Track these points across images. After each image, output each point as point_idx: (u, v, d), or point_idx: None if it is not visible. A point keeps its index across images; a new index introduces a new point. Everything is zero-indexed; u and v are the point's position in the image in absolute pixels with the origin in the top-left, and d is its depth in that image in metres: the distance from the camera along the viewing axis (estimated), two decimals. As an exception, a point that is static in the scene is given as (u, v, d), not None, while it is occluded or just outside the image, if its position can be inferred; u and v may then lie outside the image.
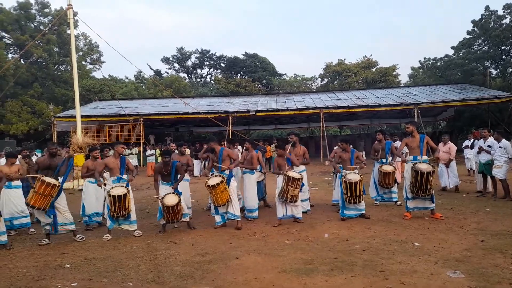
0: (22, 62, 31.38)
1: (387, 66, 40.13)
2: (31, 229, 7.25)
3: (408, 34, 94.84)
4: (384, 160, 8.19)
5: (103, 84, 32.58)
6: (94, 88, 31.32)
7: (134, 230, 6.51)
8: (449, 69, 29.46)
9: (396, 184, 8.25)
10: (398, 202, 8.13)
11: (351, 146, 7.46)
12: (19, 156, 10.06)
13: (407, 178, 6.85)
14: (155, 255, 5.27)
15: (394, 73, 40.37)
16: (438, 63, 31.17)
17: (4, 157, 8.96)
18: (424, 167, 6.53)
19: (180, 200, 6.39)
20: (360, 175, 6.96)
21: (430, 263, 4.43)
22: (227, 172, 6.72)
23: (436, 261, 4.49)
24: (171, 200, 6.33)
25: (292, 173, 6.71)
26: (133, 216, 6.51)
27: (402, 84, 38.55)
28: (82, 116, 16.21)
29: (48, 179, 6.07)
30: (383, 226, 6.32)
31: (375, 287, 3.81)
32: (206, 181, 6.58)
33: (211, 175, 6.92)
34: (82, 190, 8.15)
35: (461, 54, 28.63)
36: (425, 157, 6.80)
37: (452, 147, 9.86)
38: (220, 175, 6.64)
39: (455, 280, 3.91)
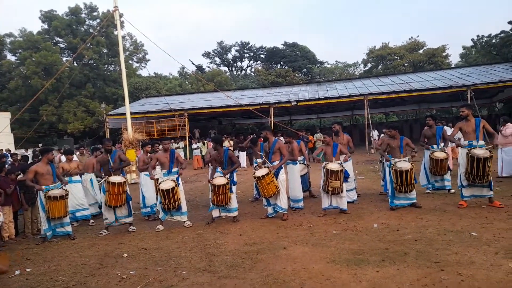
0: (75, 64, 33.44)
1: (435, 47, 37.93)
2: (91, 221, 7.81)
3: (458, 11, 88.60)
4: (435, 146, 7.81)
5: (149, 82, 33.97)
6: (141, 85, 32.73)
7: (185, 221, 6.78)
8: (506, 46, 27.27)
9: (449, 171, 7.84)
10: (452, 190, 7.72)
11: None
12: (77, 153, 10.84)
13: (462, 164, 6.48)
14: (205, 245, 5.46)
15: (444, 54, 38.06)
16: (493, 40, 28.95)
17: (63, 154, 9.69)
18: (481, 152, 6.14)
19: (227, 183, 6.59)
20: (411, 163, 6.69)
21: (490, 254, 4.19)
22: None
23: (496, 252, 4.23)
24: (219, 180, 6.63)
25: (331, 165, 6.57)
26: (184, 208, 6.78)
27: (453, 65, 36.24)
28: (131, 113, 16.94)
29: (113, 179, 6.56)
30: (436, 216, 6.06)
31: (430, 279, 3.67)
32: (254, 172, 6.69)
33: (256, 165, 7.00)
34: (135, 183, 8.61)
35: (520, 29, 26.35)
36: (481, 142, 6.39)
37: None
38: (267, 167, 6.68)
39: (519, 272, 3.66)
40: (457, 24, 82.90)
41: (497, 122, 14.69)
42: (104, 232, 6.68)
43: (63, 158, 10.42)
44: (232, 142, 18.08)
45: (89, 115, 30.20)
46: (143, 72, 39.85)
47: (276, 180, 6.60)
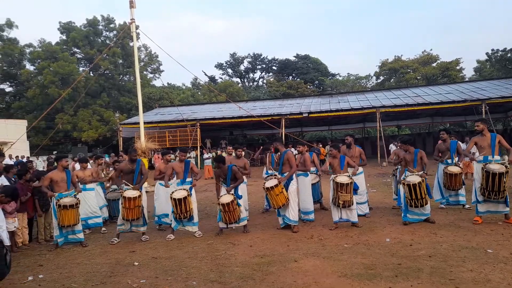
0: (91, 74, 34.15)
1: (449, 60, 37.68)
2: (103, 228, 7.87)
3: (472, 24, 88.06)
4: (449, 160, 7.70)
5: (163, 92, 34.45)
6: (154, 96, 33.21)
7: (196, 231, 6.79)
8: (522, 60, 26.91)
9: (463, 186, 7.70)
10: (467, 206, 7.58)
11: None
12: (91, 161, 10.98)
13: (477, 179, 6.37)
14: (216, 256, 5.45)
15: (458, 68, 37.76)
16: (509, 55, 28.64)
17: (78, 162, 9.82)
18: (497, 167, 6.04)
19: (234, 199, 6.55)
20: (422, 177, 6.59)
21: (507, 273, 4.08)
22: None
23: (513, 270, 4.13)
24: (225, 198, 6.58)
25: (340, 178, 6.52)
26: (196, 218, 6.81)
27: (467, 79, 35.90)
28: (144, 123, 17.20)
29: (129, 194, 6.55)
30: (451, 231, 5.94)
31: (444, 296, 3.60)
32: (264, 183, 6.69)
33: (267, 177, 7.02)
34: (149, 191, 8.68)
35: (536, 43, 26.08)
36: (497, 157, 6.28)
37: None
38: (277, 178, 6.68)
39: (538, 292, 3.56)
40: (471, 38, 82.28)
41: (513, 137, 14.43)
42: (116, 240, 6.73)
43: (77, 166, 10.55)
44: (243, 153, 18.08)
45: (103, 124, 30.68)
46: (157, 83, 40.55)
47: (286, 191, 6.58)
